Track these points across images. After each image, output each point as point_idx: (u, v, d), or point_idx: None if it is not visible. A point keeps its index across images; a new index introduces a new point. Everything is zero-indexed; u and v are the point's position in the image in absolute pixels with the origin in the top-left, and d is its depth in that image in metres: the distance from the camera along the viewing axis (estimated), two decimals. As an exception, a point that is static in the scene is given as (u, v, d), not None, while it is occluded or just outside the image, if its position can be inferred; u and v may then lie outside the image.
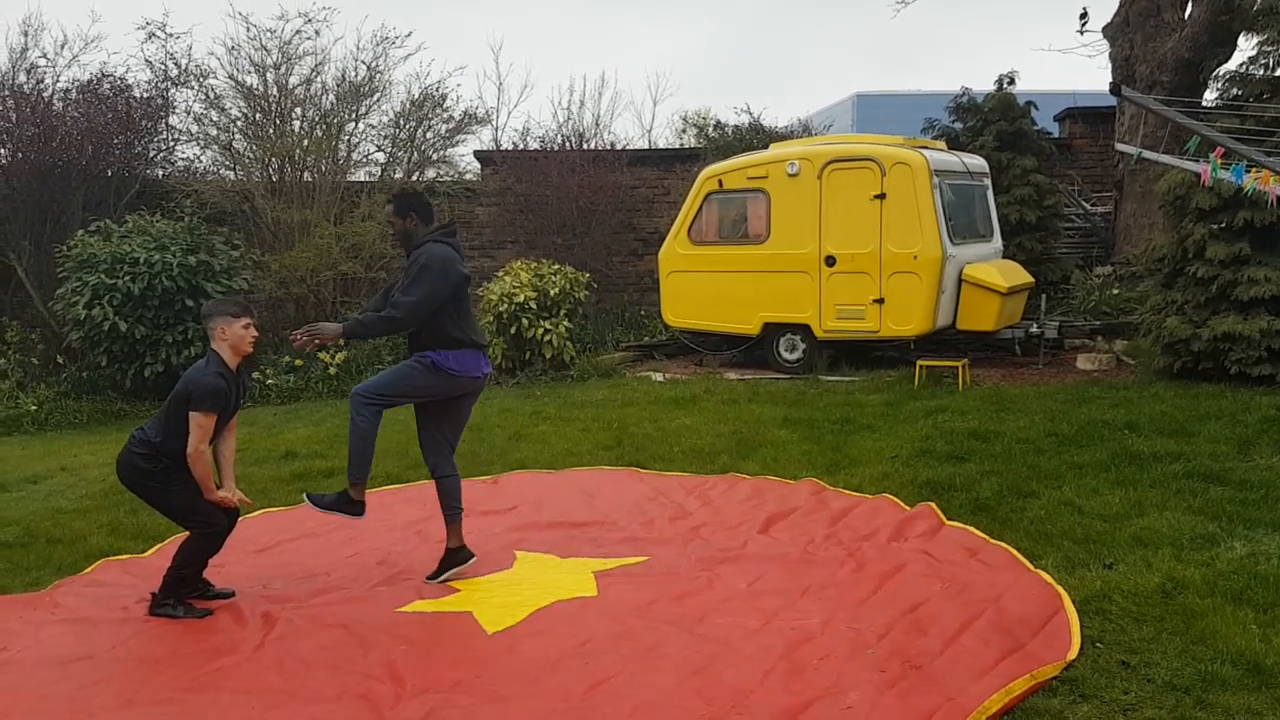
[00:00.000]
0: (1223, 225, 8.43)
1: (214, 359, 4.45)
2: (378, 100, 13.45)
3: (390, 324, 4.64)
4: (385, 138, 13.72)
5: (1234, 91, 8.96)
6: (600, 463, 7.16)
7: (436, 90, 13.69)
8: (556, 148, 14.11)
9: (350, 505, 4.72)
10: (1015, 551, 4.77)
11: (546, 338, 10.73)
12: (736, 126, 14.61)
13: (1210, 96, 11.12)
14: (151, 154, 13.45)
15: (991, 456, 6.60)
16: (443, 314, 4.61)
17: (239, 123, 13.26)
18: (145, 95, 13.06)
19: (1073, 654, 3.67)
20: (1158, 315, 8.94)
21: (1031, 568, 4.55)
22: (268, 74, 12.95)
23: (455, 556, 4.88)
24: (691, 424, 8.13)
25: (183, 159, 13.78)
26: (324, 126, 13.18)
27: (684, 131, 18.24)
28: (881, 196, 9.78)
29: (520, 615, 4.32)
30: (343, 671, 3.85)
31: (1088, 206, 13.94)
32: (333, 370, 11.24)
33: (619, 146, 14.34)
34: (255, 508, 5.10)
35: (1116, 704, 3.35)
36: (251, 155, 13.22)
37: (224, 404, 4.40)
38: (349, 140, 13.49)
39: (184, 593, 4.57)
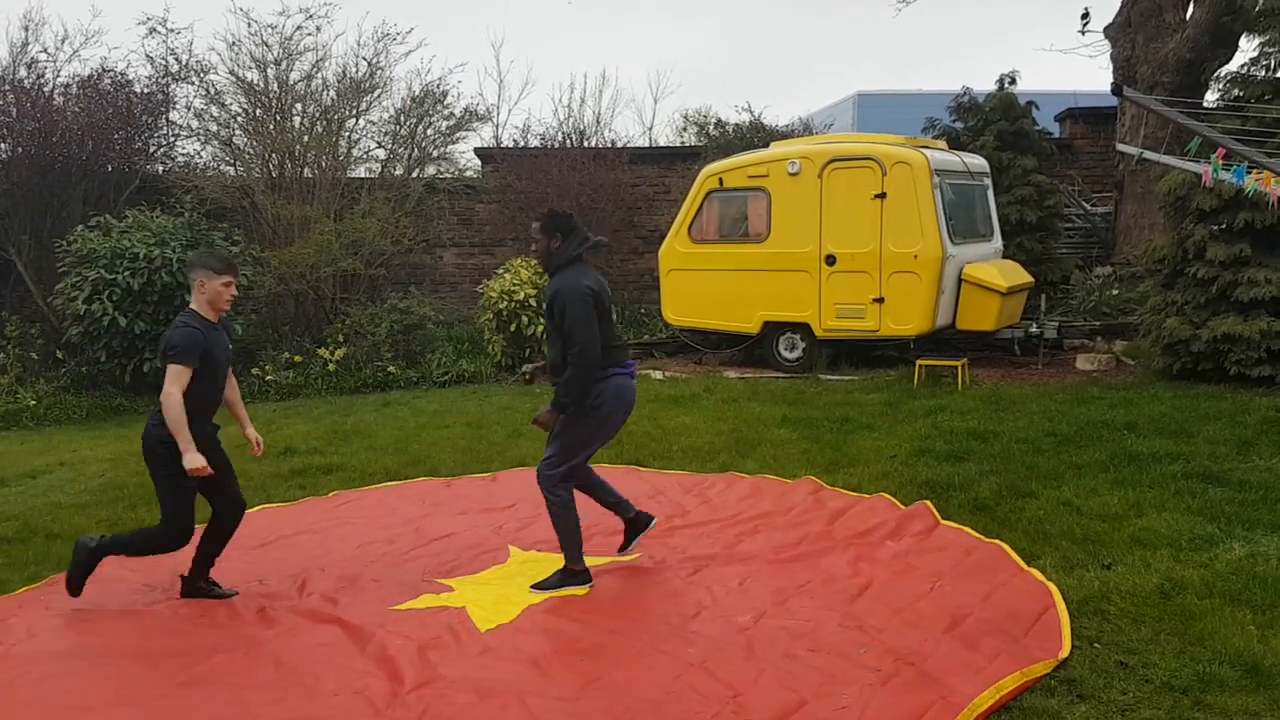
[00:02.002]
0: (1223, 226, 8.43)
1: (189, 314, 4.58)
2: (378, 96, 13.44)
3: (582, 374, 4.64)
4: (386, 134, 13.70)
5: (1235, 93, 8.94)
6: (599, 460, 7.11)
7: (437, 87, 13.70)
8: (557, 145, 14.09)
9: None
10: (1010, 550, 4.77)
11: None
12: (737, 125, 14.59)
13: (1211, 98, 11.12)
14: (152, 149, 13.42)
15: (990, 456, 6.59)
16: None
17: (239, 118, 13.25)
18: (146, 90, 13.03)
19: (1064, 652, 3.67)
20: (1157, 316, 8.93)
21: (1025, 567, 4.55)
22: (268, 70, 12.94)
23: None
24: (690, 422, 8.13)
25: (183, 154, 13.79)
26: (324, 122, 13.16)
27: (685, 129, 18.23)
28: (882, 196, 9.77)
29: (514, 613, 4.32)
30: (339, 668, 3.85)
31: (1088, 207, 13.93)
32: (332, 366, 11.23)
33: (620, 144, 14.33)
34: (261, 455, 5.08)
35: (1114, 704, 3.35)
36: (252, 151, 13.20)
37: (196, 350, 4.45)
38: (349, 136, 13.48)
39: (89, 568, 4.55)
